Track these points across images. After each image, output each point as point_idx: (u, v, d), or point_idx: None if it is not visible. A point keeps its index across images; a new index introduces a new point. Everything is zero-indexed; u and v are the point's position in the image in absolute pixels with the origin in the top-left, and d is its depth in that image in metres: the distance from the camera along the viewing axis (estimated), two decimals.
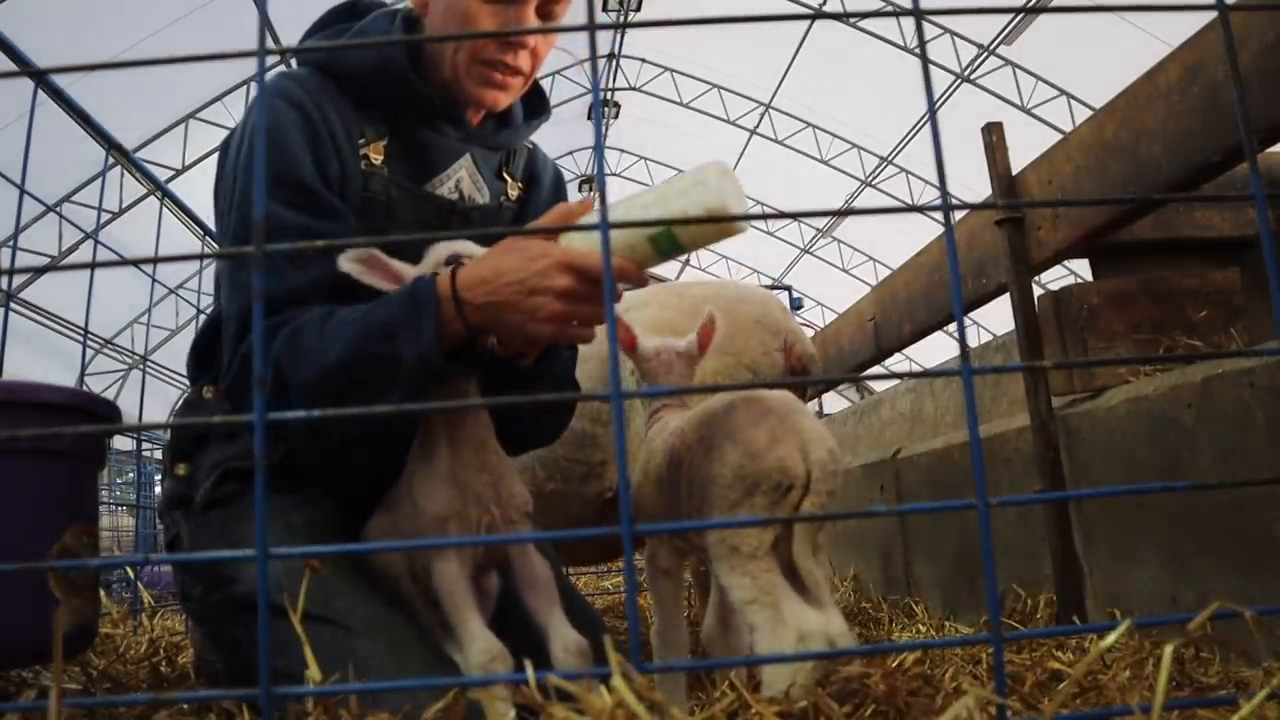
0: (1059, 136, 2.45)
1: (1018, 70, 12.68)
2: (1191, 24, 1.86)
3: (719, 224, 1.21)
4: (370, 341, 1.25)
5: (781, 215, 0.87)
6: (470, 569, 1.35)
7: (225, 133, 1.73)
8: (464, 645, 1.27)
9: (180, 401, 1.74)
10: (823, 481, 1.20)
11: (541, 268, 1.19)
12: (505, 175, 1.74)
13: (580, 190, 19.05)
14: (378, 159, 1.54)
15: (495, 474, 1.38)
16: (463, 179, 1.63)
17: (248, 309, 1.39)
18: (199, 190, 2.40)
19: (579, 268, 1.19)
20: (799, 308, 4.93)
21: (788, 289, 4.92)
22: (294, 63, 1.69)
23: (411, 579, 1.44)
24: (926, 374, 0.89)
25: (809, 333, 4.95)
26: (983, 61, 12.76)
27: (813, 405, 6.42)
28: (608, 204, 1.16)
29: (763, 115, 15.84)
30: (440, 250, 1.35)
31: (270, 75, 1.58)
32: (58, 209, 10.04)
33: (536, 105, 1.78)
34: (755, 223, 14.52)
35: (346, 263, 1.29)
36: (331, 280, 1.33)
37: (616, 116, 16.44)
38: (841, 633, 1.16)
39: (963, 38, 12.55)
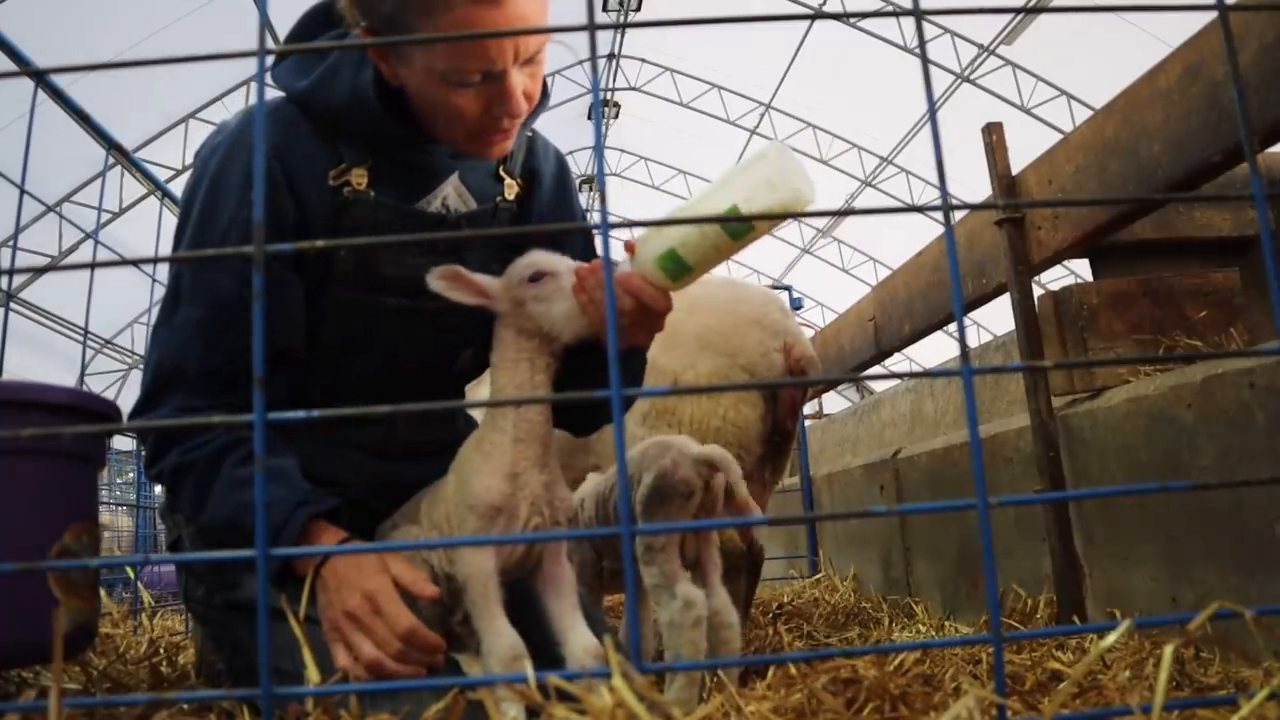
0: (1059, 136, 2.45)
1: (1018, 70, 12.68)
2: (1191, 24, 1.86)
3: (784, 199, 1.18)
4: (231, 537, 1.38)
5: (782, 215, 0.87)
6: (504, 567, 1.34)
7: None
8: (489, 642, 1.26)
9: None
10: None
11: (381, 627, 1.28)
12: (503, 174, 1.68)
13: (580, 190, 19.03)
14: (361, 183, 1.50)
15: (552, 475, 1.38)
16: (449, 195, 1.60)
17: (156, 374, 1.44)
18: None
19: (418, 641, 1.28)
20: (799, 308, 4.92)
21: (788, 289, 4.92)
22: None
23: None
24: (926, 374, 0.89)
25: (809, 333, 4.95)
26: (983, 61, 12.77)
27: (813, 405, 6.42)
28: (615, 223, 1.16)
29: (763, 115, 15.84)
30: (522, 265, 1.38)
31: (238, 116, 1.55)
32: (58, 209, 10.05)
33: None
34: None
35: (434, 281, 1.34)
36: (208, 367, 1.41)
37: (616, 116, 16.44)
38: (725, 607, 1.59)
39: (963, 38, 12.56)
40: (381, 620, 1.27)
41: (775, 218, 1.15)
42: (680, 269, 1.26)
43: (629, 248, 1.32)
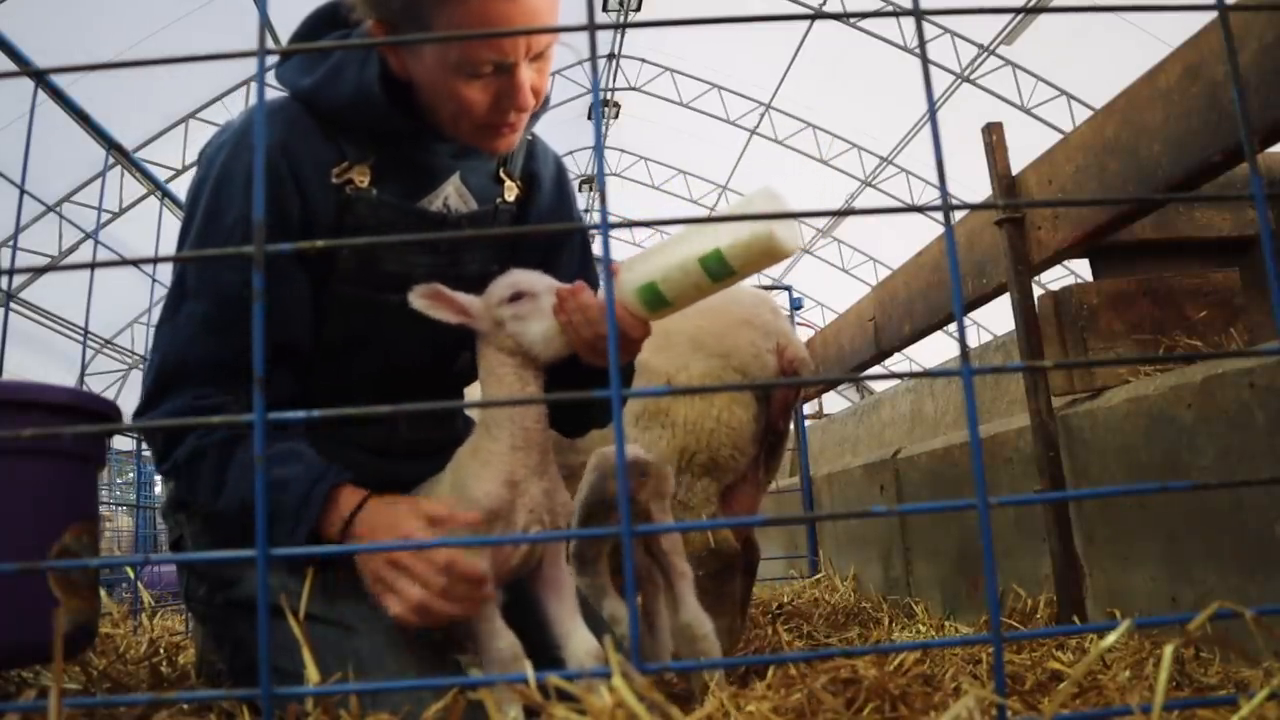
0: (1059, 136, 2.45)
1: (1018, 70, 12.68)
2: (1191, 24, 1.86)
3: (765, 247, 1.22)
4: (249, 519, 1.34)
5: (782, 216, 0.87)
6: (498, 574, 1.34)
7: None
8: (486, 643, 1.27)
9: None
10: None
11: (421, 564, 1.25)
12: (503, 176, 1.69)
13: (580, 190, 19.04)
14: (364, 181, 1.50)
15: (552, 481, 1.39)
16: (450, 195, 1.60)
17: (160, 371, 1.43)
18: None
19: (460, 572, 1.24)
20: (799, 308, 4.92)
21: (788, 289, 4.92)
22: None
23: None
24: (926, 374, 0.89)
25: (809, 333, 4.94)
26: (983, 61, 12.77)
27: (813, 405, 6.42)
28: (612, 255, 1.18)
29: (763, 115, 15.84)
30: (502, 285, 1.38)
31: (243, 114, 1.55)
32: (58, 209, 10.04)
33: None
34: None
35: (415, 299, 1.34)
36: (215, 360, 1.41)
37: (616, 116, 16.44)
38: (697, 619, 1.59)
39: (963, 38, 12.55)
40: (421, 558, 1.26)
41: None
42: (658, 302, 1.30)
43: (614, 269, 1.33)
